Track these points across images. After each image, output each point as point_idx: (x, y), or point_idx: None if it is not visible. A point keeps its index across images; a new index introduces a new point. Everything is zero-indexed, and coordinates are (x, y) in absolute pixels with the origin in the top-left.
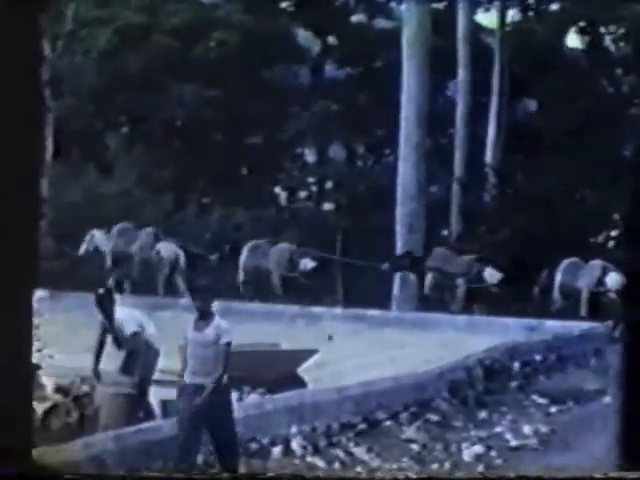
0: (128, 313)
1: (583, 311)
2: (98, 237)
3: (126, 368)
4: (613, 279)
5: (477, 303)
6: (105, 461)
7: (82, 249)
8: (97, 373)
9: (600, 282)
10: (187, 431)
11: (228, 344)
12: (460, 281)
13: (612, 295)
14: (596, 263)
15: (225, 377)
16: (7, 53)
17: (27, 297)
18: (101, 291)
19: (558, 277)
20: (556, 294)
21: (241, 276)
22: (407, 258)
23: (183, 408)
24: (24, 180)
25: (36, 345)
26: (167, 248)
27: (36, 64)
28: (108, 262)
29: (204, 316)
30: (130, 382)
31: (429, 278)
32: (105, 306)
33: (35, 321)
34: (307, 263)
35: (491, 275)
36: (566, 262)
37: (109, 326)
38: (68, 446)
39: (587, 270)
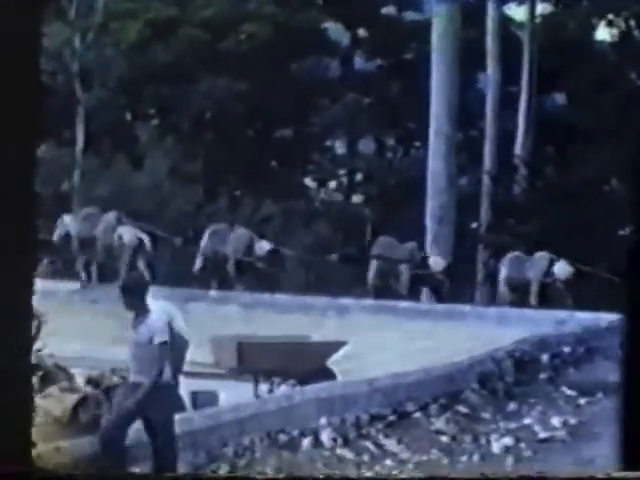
0: (158, 304)
1: (533, 301)
2: (68, 222)
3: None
4: (561, 269)
5: (422, 289)
6: (134, 452)
7: (55, 234)
8: None
9: (548, 272)
10: (112, 428)
11: (163, 344)
12: (403, 267)
13: (560, 285)
14: (543, 254)
15: (168, 376)
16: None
17: (27, 296)
18: (127, 279)
19: (502, 271)
20: (502, 287)
21: (199, 261)
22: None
23: (116, 405)
24: (21, 176)
25: (36, 345)
26: (129, 232)
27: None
28: (74, 247)
29: (138, 314)
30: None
31: (374, 265)
32: (132, 295)
33: (35, 321)
34: (263, 247)
35: (435, 262)
36: (510, 256)
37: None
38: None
39: (534, 262)
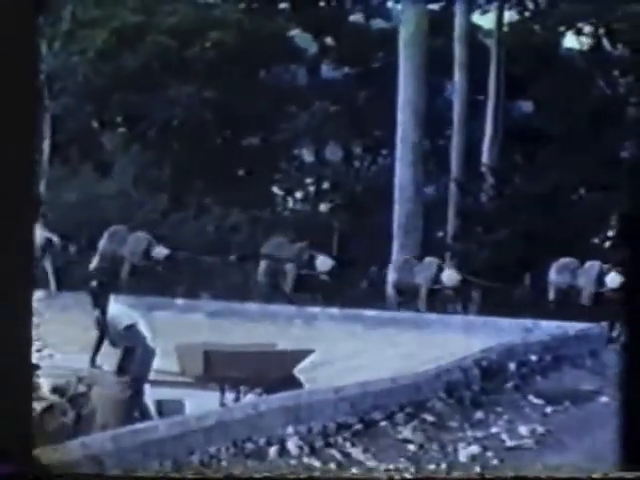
0: (122, 309)
1: (421, 306)
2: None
3: (122, 368)
4: (448, 276)
5: (309, 290)
6: (103, 461)
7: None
8: (95, 365)
9: (437, 279)
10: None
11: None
12: (290, 266)
13: (449, 292)
14: (432, 260)
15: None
16: (4, 52)
17: (27, 297)
18: (94, 284)
19: (391, 275)
20: (390, 290)
21: (95, 261)
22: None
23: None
24: (22, 180)
25: (36, 345)
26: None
27: (34, 63)
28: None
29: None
30: (126, 382)
31: (262, 265)
32: (99, 300)
33: (35, 321)
34: (160, 252)
35: (322, 263)
36: (400, 260)
37: (102, 321)
38: (65, 446)
39: (424, 267)
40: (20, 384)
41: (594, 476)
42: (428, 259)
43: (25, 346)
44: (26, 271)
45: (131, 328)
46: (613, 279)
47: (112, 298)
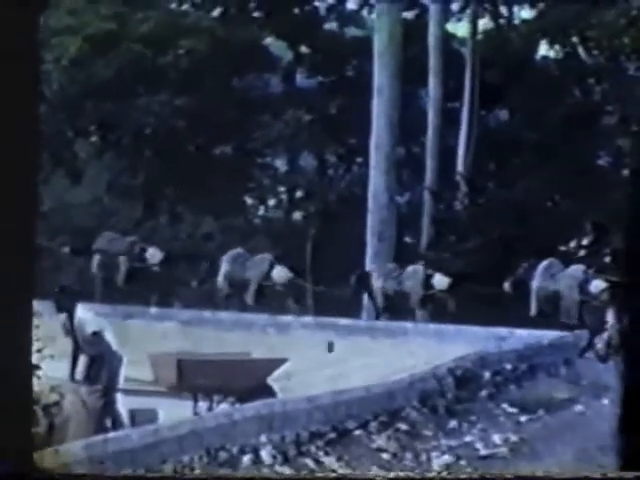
0: (89, 316)
1: (249, 300)
2: None
3: (90, 375)
4: (277, 273)
5: (143, 281)
6: (73, 470)
7: None
8: (74, 379)
9: (268, 275)
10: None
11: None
12: (122, 259)
13: (279, 287)
14: (264, 256)
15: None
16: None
17: (26, 297)
18: (57, 289)
19: (224, 267)
20: (221, 282)
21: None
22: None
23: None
24: (22, 184)
25: (36, 345)
26: None
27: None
28: None
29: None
30: (98, 390)
31: (95, 258)
32: (63, 305)
33: (35, 321)
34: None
35: (152, 255)
36: (232, 253)
37: (69, 326)
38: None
39: (255, 262)
40: (20, 384)
41: (593, 476)
42: (260, 255)
43: (25, 346)
44: (26, 270)
45: (97, 334)
46: (597, 286)
47: (80, 305)
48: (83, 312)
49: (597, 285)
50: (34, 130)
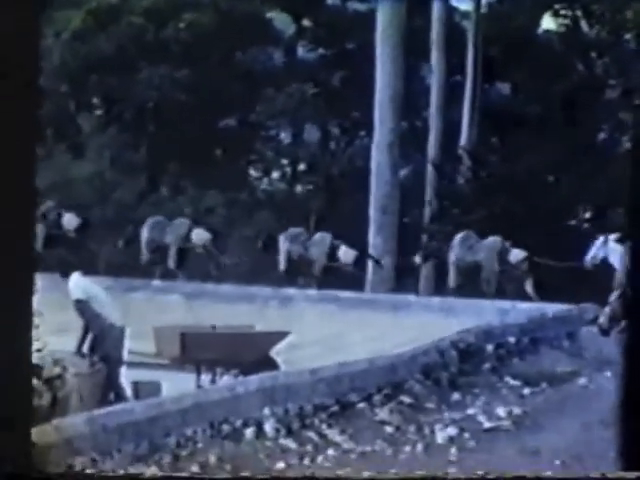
0: (80, 283)
1: (171, 264)
2: None
3: (82, 347)
4: (198, 235)
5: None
6: (76, 444)
7: None
8: (81, 353)
9: (187, 237)
10: None
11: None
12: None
13: (200, 250)
14: (183, 221)
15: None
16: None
17: (27, 297)
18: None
19: (145, 233)
20: (144, 249)
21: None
22: None
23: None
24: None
25: (36, 345)
26: None
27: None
28: None
29: None
30: (99, 363)
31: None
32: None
33: (35, 321)
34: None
35: (69, 221)
36: (151, 220)
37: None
38: (40, 429)
39: (174, 227)
40: (20, 384)
41: (593, 476)
42: (179, 219)
43: (25, 346)
44: (26, 270)
45: (81, 303)
46: (516, 255)
47: (77, 275)
48: (75, 278)
49: (516, 254)
50: (34, 115)
